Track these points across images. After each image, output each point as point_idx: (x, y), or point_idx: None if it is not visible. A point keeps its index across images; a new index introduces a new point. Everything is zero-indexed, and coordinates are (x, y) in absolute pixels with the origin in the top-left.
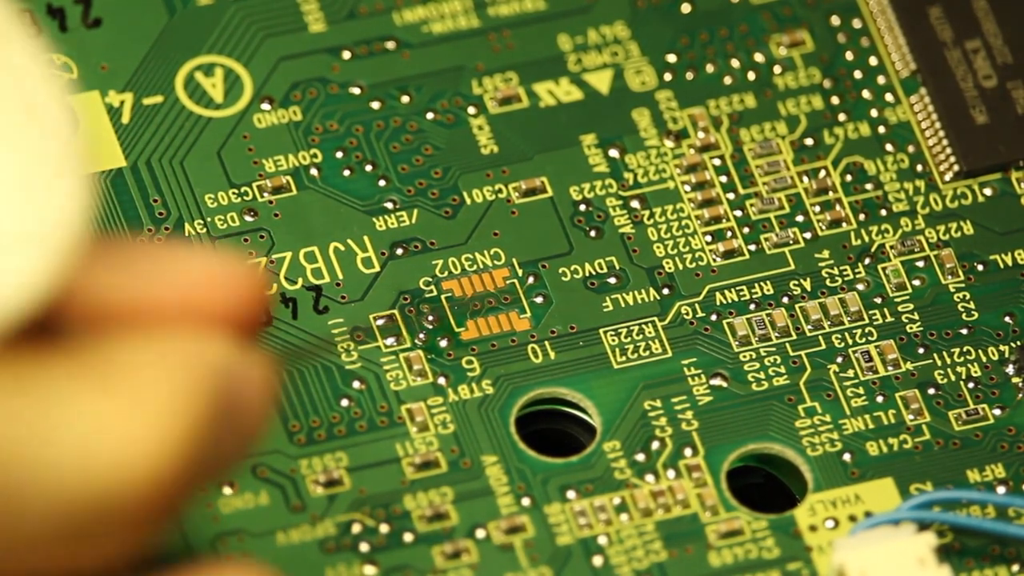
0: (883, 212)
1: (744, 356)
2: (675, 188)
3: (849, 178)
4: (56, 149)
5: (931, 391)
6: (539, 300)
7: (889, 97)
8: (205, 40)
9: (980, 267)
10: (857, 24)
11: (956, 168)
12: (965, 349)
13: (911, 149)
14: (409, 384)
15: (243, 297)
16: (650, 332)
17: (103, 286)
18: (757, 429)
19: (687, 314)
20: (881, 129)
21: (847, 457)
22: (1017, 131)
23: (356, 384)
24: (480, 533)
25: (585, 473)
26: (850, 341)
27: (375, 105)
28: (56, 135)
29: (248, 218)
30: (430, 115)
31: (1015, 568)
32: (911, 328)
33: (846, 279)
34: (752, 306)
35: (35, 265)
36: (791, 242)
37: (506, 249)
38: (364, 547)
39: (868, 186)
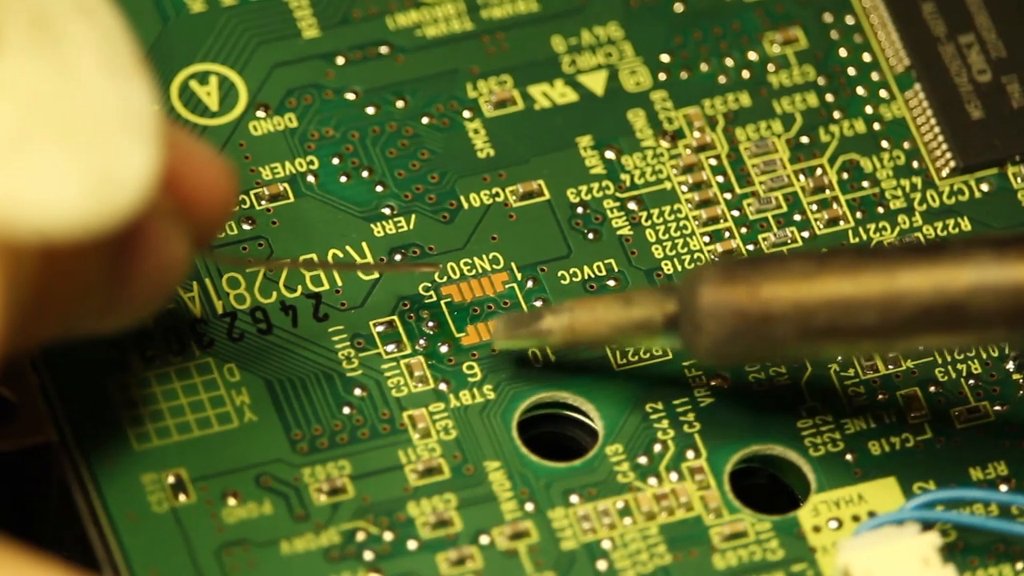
0: (880, 209)
1: None
2: (672, 189)
3: (846, 176)
4: (123, 44)
5: (932, 389)
6: (539, 304)
7: (884, 93)
8: (199, 48)
9: None
10: (850, 20)
11: (952, 164)
12: None
13: (907, 145)
14: (411, 390)
15: (214, 190)
16: None
17: None
18: (759, 430)
19: None
20: (876, 126)
21: (849, 457)
22: (1013, 126)
23: (357, 391)
24: (484, 539)
25: (588, 477)
26: None
27: (370, 110)
28: (117, 32)
29: (246, 226)
30: (425, 119)
31: (1019, 566)
32: None
33: None
34: None
35: (147, 147)
36: (789, 241)
37: (504, 253)
38: (368, 555)
39: (865, 183)
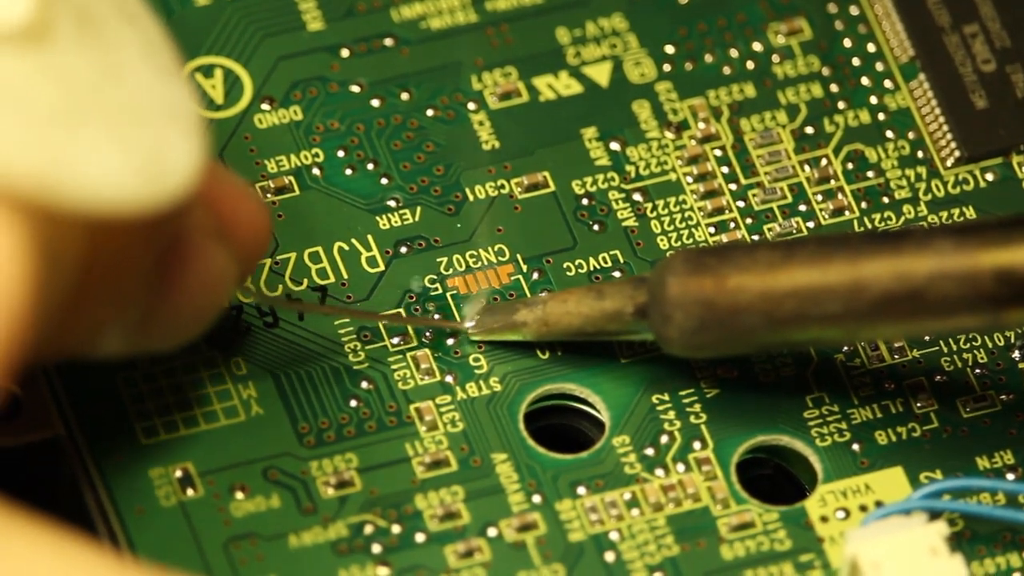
0: (885, 199)
1: None
2: (677, 180)
3: (851, 166)
4: (165, 48)
5: (938, 378)
6: (543, 296)
7: (888, 84)
8: (204, 41)
9: None
10: (854, 11)
11: (957, 154)
12: (971, 335)
13: (912, 135)
14: (417, 383)
15: (251, 223)
16: None
17: None
18: (766, 421)
19: None
20: (881, 116)
21: (856, 447)
22: (1017, 115)
23: (364, 384)
24: (492, 531)
25: (595, 469)
26: None
27: (375, 103)
28: (159, 37)
29: None
30: (430, 111)
31: None
32: None
33: None
34: None
35: (193, 139)
36: (794, 232)
37: (510, 245)
38: (376, 548)
39: (870, 173)
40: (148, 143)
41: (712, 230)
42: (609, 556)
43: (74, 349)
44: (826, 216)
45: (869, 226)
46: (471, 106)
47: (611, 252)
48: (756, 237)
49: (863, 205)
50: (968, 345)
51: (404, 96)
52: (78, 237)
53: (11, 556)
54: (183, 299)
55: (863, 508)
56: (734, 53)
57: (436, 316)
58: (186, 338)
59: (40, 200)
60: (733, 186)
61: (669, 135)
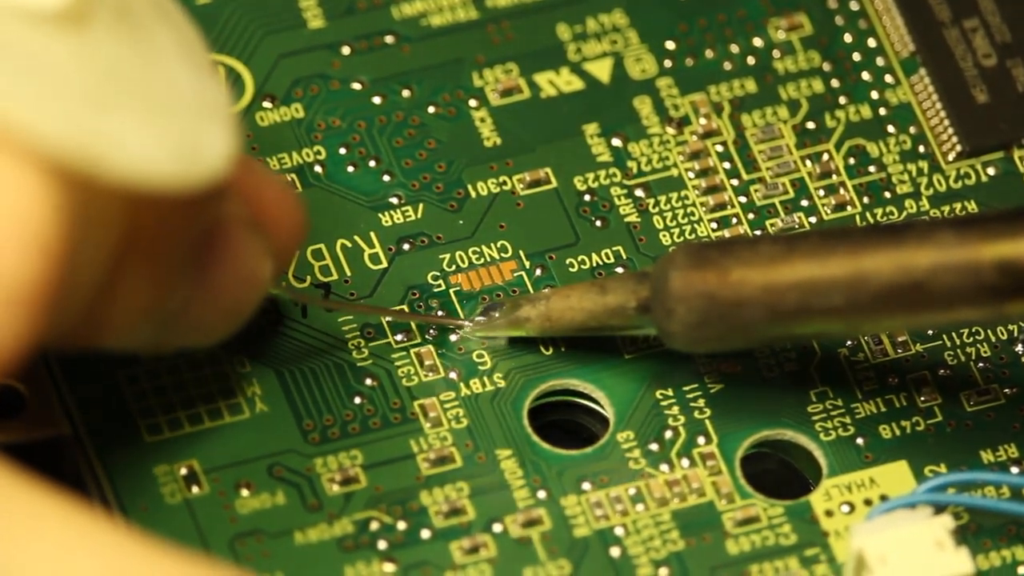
0: (887, 194)
1: None
2: (679, 175)
3: (852, 161)
4: (199, 46)
5: (942, 372)
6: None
7: (889, 78)
8: (205, 39)
9: None
10: (855, 6)
11: (958, 148)
12: (974, 329)
13: (913, 130)
14: (421, 380)
15: (287, 217)
16: None
17: None
18: (770, 415)
19: None
20: (882, 111)
21: (860, 441)
22: (1018, 109)
23: (368, 381)
24: (497, 527)
25: (600, 464)
26: None
27: (377, 100)
28: (193, 35)
29: None
30: (432, 108)
31: None
32: None
33: None
34: None
35: (227, 131)
36: (796, 226)
37: (512, 241)
38: (382, 544)
39: (871, 168)
40: (183, 126)
41: (714, 225)
42: (614, 551)
43: (109, 337)
44: (828, 211)
45: (871, 221)
46: (472, 103)
47: (614, 248)
48: (758, 232)
49: (865, 200)
50: (971, 339)
51: (405, 93)
52: (113, 211)
53: (16, 525)
54: (220, 291)
55: (868, 502)
56: (735, 49)
57: (440, 313)
58: (221, 334)
59: (76, 168)
60: (735, 181)
61: (670, 131)
